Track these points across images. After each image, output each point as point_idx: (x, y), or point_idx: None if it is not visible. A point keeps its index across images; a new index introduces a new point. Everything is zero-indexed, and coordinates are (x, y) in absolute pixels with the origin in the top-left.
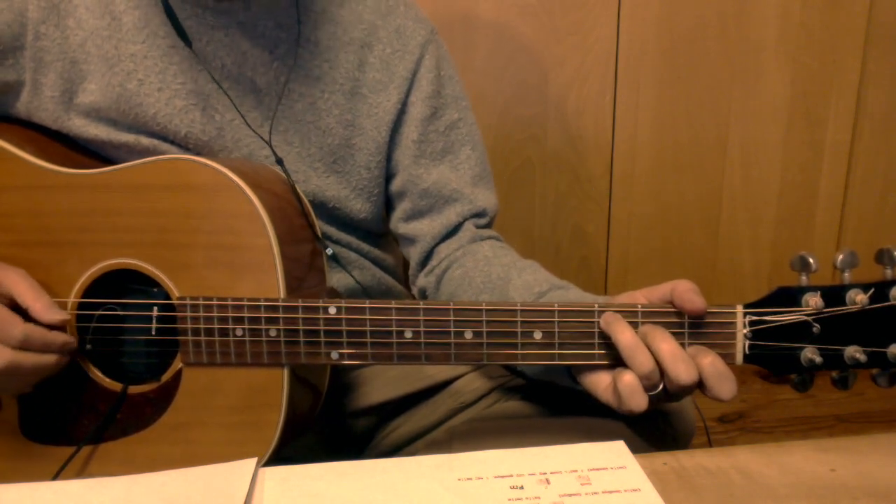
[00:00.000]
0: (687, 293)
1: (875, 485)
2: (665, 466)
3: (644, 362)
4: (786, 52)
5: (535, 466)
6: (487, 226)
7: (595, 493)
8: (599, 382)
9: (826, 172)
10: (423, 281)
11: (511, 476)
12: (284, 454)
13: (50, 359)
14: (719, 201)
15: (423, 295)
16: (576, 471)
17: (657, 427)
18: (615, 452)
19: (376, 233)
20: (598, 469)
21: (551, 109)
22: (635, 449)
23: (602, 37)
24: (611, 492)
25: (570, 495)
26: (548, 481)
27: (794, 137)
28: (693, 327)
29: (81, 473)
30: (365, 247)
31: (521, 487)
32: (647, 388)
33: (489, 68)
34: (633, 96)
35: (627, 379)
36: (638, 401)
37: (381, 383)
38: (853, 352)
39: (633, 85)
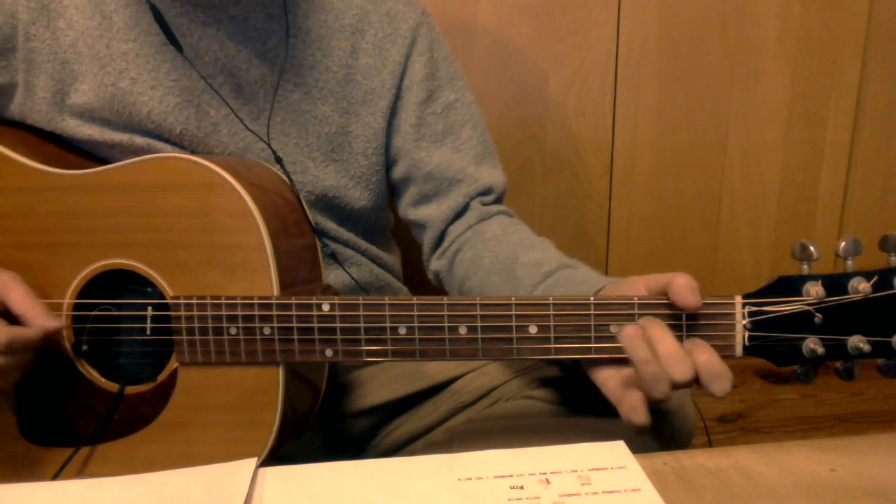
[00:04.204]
0: (682, 290)
1: (875, 485)
2: (665, 466)
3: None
4: (786, 52)
5: (535, 466)
6: (496, 202)
7: (595, 493)
8: (599, 374)
9: (826, 172)
10: (435, 264)
11: (511, 476)
12: (284, 454)
13: (31, 355)
14: (719, 201)
15: (438, 278)
16: (576, 471)
17: (657, 427)
18: (615, 452)
19: (375, 228)
20: (598, 469)
21: (551, 109)
22: (635, 449)
23: (602, 37)
24: (611, 492)
25: (570, 495)
26: (548, 481)
27: (794, 137)
28: (691, 319)
29: (80, 474)
30: (363, 244)
31: (521, 487)
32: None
33: (489, 68)
34: (633, 96)
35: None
36: (640, 416)
37: (381, 383)
38: (856, 341)
39: (633, 85)
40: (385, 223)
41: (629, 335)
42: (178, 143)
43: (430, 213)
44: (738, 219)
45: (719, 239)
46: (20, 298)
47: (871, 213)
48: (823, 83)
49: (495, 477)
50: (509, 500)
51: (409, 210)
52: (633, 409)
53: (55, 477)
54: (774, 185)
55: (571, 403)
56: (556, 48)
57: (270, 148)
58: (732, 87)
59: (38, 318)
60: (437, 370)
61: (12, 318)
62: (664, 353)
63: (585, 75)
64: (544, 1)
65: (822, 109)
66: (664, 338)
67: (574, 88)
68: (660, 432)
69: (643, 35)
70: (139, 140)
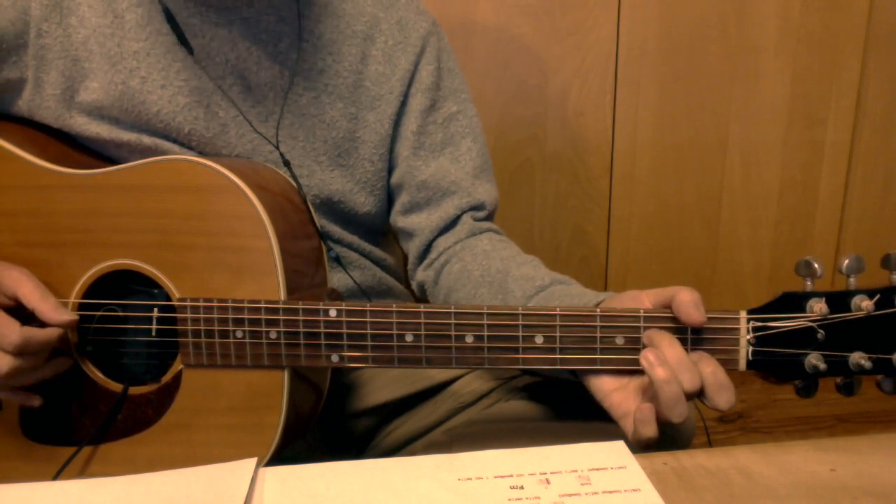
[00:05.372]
0: (685, 306)
1: (875, 485)
2: (665, 466)
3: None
4: (786, 53)
5: (535, 466)
6: (486, 219)
7: (595, 493)
8: (602, 386)
9: (826, 172)
10: (421, 275)
11: (511, 476)
12: (285, 454)
13: (44, 356)
14: (719, 201)
15: (422, 289)
16: (576, 471)
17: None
18: (615, 452)
19: (378, 231)
20: (598, 469)
21: (551, 109)
22: (635, 449)
23: (602, 37)
24: (611, 492)
25: (570, 495)
26: (548, 481)
27: (794, 137)
28: (696, 332)
29: (82, 474)
30: (367, 246)
31: (521, 487)
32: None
33: (489, 68)
34: (633, 96)
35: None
36: (650, 429)
37: (381, 384)
38: (858, 358)
39: (633, 85)
40: (388, 227)
41: (648, 357)
42: (186, 144)
43: (420, 222)
44: (738, 219)
45: (719, 239)
46: (31, 293)
47: (871, 213)
48: (823, 83)
49: (495, 477)
50: (509, 500)
51: (398, 217)
52: (643, 421)
53: (56, 476)
54: (774, 185)
55: (572, 404)
56: (556, 48)
57: (278, 151)
58: (732, 87)
59: (51, 312)
60: (437, 370)
61: (23, 316)
62: (672, 363)
63: (585, 75)
64: (544, 1)
65: (822, 109)
66: (672, 347)
67: (574, 88)
68: (660, 432)
69: (643, 35)
70: (147, 140)
